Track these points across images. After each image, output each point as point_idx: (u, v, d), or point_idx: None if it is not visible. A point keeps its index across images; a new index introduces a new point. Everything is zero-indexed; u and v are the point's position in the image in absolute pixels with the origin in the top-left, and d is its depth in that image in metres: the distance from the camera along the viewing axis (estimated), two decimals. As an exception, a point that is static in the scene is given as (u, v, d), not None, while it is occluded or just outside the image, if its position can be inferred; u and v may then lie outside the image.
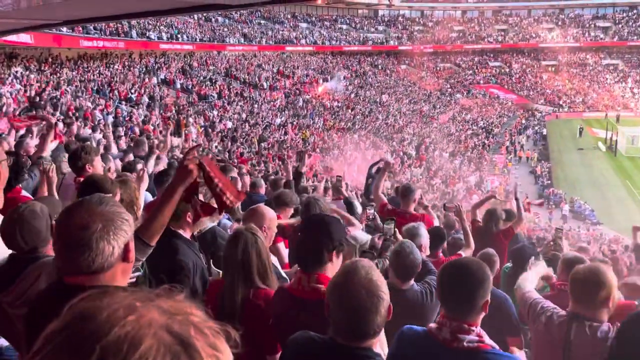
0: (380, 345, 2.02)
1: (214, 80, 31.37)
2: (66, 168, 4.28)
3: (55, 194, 3.55)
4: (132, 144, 7.28)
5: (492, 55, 61.85)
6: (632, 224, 19.16)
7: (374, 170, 7.14)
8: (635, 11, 62.87)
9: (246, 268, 2.41)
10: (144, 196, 5.09)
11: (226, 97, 29.47)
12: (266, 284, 2.44)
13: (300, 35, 48.54)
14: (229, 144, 22.08)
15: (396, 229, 3.32)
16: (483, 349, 1.82)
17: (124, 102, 22.09)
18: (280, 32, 46.71)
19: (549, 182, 29.84)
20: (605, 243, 16.75)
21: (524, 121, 46.86)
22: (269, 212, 3.12)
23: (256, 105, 30.07)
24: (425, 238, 3.71)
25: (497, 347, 1.89)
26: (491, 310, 2.87)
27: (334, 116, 34.52)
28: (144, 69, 27.96)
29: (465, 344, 1.82)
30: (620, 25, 62.09)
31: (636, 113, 49.13)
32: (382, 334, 2.06)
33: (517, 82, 57.39)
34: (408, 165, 29.60)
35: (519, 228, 6.17)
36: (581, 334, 2.40)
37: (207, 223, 3.44)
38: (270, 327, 2.32)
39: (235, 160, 17.05)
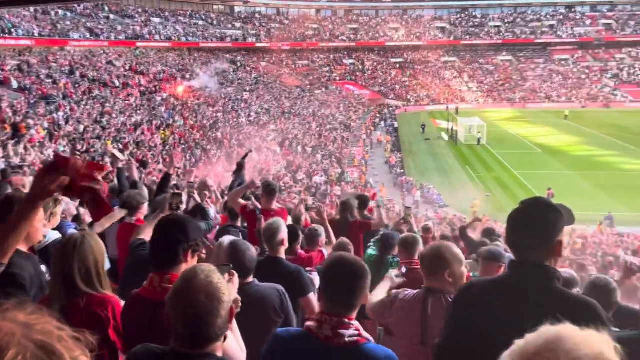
0: (237, 342, 2.03)
1: (56, 79, 28.65)
2: None
3: None
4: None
5: (346, 53, 64.90)
6: (471, 205, 21.16)
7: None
8: (466, 13, 70.37)
9: (66, 272, 2.27)
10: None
11: (73, 97, 27.11)
12: (93, 289, 2.30)
13: (154, 31, 46.35)
14: (78, 147, 20.37)
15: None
16: (361, 343, 1.86)
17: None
18: (131, 27, 44.15)
19: (402, 171, 32.21)
20: (449, 223, 18.53)
21: (378, 115, 50.05)
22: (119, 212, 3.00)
23: (108, 105, 28.09)
24: (285, 233, 3.77)
25: (372, 340, 1.92)
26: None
27: (194, 114, 33.58)
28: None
29: (346, 339, 1.84)
30: (454, 26, 69.05)
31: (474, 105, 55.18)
32: (237, 333, 2.07)
33: (370, 79, 60.96)
34: (273, 162, 29.91)
35: (378, 227, 6.49)
36: (436, 306, 2.61)
37: (48, 235, 3.19)
38: (108, 336, 2.20)
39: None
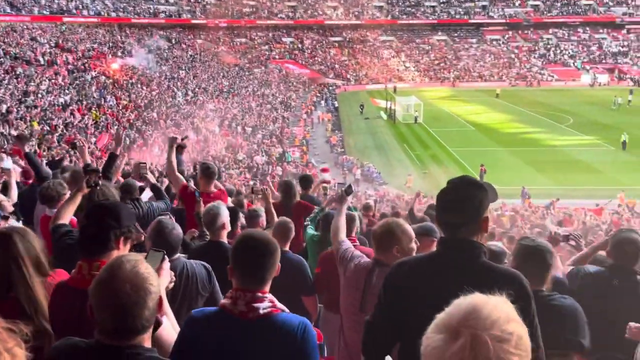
0: (173, 327, 2.01)
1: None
2: None
3: None
4: None
5: (284, 31, 64.13)
6: (408, 182, 21.72)
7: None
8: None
9: (34, 259, 2.24)
10: None
11: (-7, 75, 25.32)
12: (51, 269, 2.33)
13: (81, 5, 43.82)
14: (2, 128, 19.12)
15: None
16: (275, 314, 1.90)
17: None
18: (56, 1, 41.53)
19: (343, 150, 32.52)
20: (391, 200, 18.99)
21: (318, 94, 50.03)
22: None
23: (33, 84, 26.43)
24: (226, 217, 3.72)
25: (287, 310, 1.97)
26: (289, 274, 3.08)
27: (127, 94, 32.22)
28: None
29: (261, 311, 1.88)
30: (392, 5, 69.66)
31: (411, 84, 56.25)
32: (172, 318, 2.06)
33: (310, 58, 60.65)
34: (212, 142, 29.33)
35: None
36: (381, 277, 2.61)
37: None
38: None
39: (10, 147, 14.83)
